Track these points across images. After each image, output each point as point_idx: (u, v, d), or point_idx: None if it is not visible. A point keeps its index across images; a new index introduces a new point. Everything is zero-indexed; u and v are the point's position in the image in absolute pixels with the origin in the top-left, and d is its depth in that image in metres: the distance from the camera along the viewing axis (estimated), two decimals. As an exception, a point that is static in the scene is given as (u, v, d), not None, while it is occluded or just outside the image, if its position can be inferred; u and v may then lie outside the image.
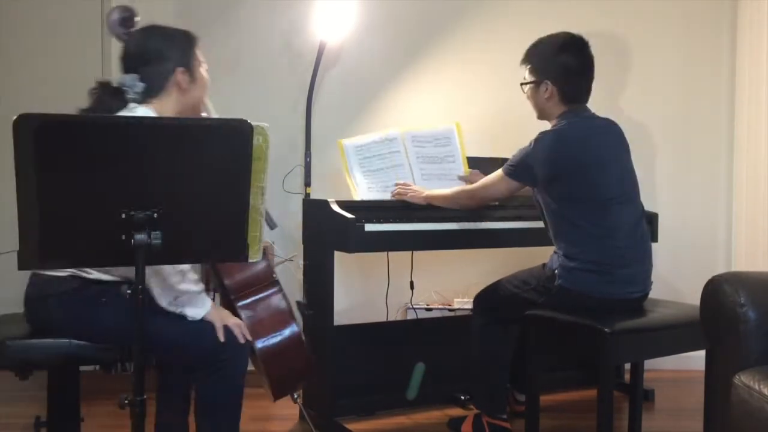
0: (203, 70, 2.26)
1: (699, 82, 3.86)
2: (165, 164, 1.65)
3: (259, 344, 2.22)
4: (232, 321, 2.10)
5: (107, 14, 2.25)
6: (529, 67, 2.70)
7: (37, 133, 1.55)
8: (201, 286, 2.10)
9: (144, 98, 2.13)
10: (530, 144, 2.58)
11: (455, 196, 2.83)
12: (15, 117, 1.52)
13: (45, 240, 1.62)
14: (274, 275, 2.33)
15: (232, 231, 1.75)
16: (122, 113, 2.06)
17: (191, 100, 2.23)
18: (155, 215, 1.63)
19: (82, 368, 2.23)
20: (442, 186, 3.03)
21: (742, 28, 3.73)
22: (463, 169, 3.17)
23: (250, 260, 1.82)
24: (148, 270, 1.90)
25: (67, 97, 3.56)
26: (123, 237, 1.62)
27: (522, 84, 2.74)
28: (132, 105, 2.10)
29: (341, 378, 2.88)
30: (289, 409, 3.12)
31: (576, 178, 2.52)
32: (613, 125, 2.69)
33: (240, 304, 2.25)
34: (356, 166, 3.05)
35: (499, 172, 2.65)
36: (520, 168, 2.59)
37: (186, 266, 2.04)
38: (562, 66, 2.62)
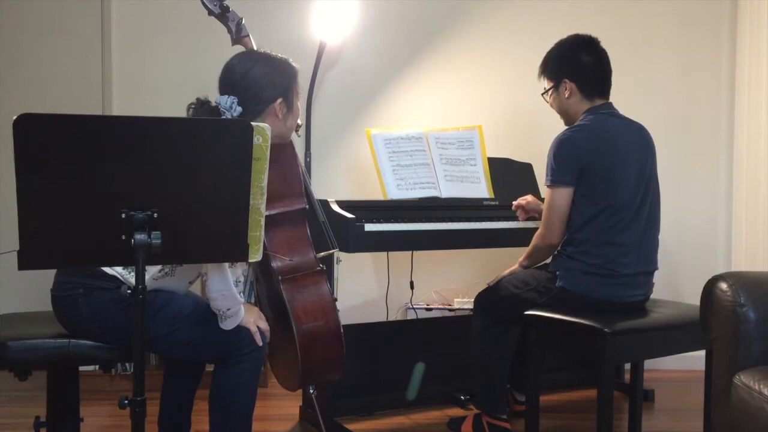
0: (298, 101, 2.31)
1: (699, 82, 3.86)
2: (165, 164, 1.65)
3: (300, 327, 2.24)
4: (263, 324, 2.14)
5: None
6: (546, 74, 2.71)
7: (37, 133, 1.55)
8: (243, 299, 2.12)
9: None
10: (552, 145, 2.56)
11: (535, 246, 2.66)
12: (15, 117, 1.52)
13: (45, 240, 1.62)
14: (321, 266, 2.36)
15: (232, 231, 1.74)
16: None
17: (283, 129, 2.26)
18: (155, 215, 1.63)
19: (82, 368, 2.23)
20: (464, 188, 3.07)
21: (742, 28, 3.73)
22: (484, 171, 3.18)
23: (250, 260, 1.82)
24: (214, 273, 1.96)
25: (67, 97, 3.61)
26: (123, 237, 1.62)
27: (543, 94, 2.73)
28: None
29: (341, 378, 2.88)
30: (289, 408, 3.13)
31: (590, 176, 2.50)
32: (640, 129, 2.65)
33: (285, 286, 2.27)
34: (385, 159, 3.04)
35: (547, 190, 2.58)
36: (558, 172, 2.52)
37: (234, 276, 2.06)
38: (576, 62, 2.63)
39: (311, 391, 2.45)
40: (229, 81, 2.21)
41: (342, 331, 2.32)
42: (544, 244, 2.61)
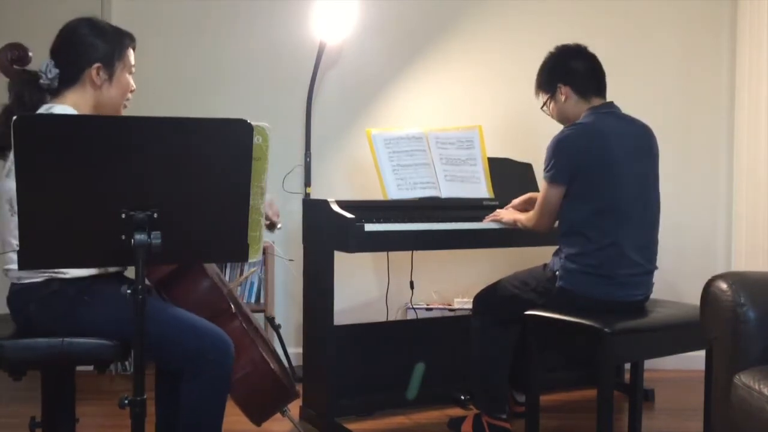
0: (128, 75, 2.18)
1: (699, 82, 3.86)
2: (165, 164, 1.65)
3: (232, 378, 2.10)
4: None
5: None
6: (541, 88, 2.73)
7: (37, 134, 1.55)
8: None
9: (60, 89, 2.08)
10: (551, 142, 2.57)
11: (525, 226, 2.75)
12: (15, 117, 1.52)
13: (45, 240, 1.62)
14: (230, 305, 2.21)
15: (232, 231, 1.74)
16: (41, 111, 2.00)
17: (105, 99, 2.13)
18: (155, 215, 1.62)
19: (80, 368, 2.20)
20: (464, 188, 3.09)
21: (742, 28, 3.73)
22: (484, 171, 3.17)
23: (250, 260, 1.82)
24: None
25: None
26: (123, 237, 1.62)
27: (542, 107, 2.74)
28: (48, 105, 2.04)
29: (341, 378, 2.88)
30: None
31: (585, 175, 2.50)
32: (644, 130, 2.64)
33: None
34: (386, 159, 3.04)
35: (544, 183, 2.59)
36: (554, 170, 2.54)
37: None
38: (567, 67, 2.65)
39: (284, 411, 2.38)
40: (53, 44, 2.11)
41: (271, 366, 2.21)
42: (531, 228, 2.70)
